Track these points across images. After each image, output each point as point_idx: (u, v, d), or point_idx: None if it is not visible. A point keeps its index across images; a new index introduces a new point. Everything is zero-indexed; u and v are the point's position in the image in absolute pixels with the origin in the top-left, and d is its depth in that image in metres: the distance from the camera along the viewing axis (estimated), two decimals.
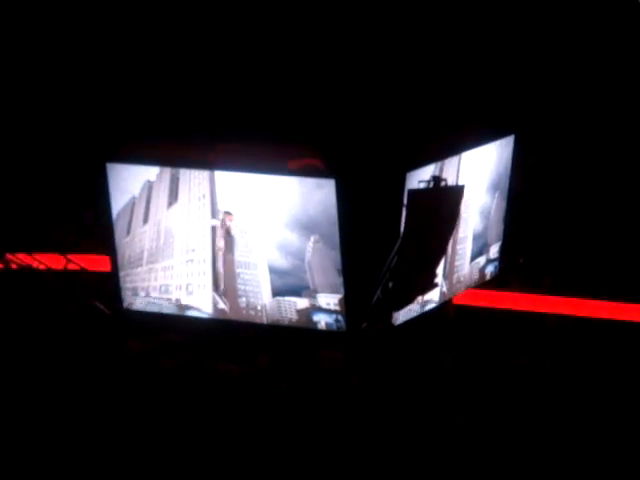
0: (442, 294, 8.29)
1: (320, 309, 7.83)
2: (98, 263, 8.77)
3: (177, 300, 8.15)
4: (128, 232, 8.10)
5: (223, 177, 7.71)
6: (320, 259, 7.66)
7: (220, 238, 7.87)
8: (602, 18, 8.99)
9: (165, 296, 8.17)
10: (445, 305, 8.38)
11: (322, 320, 7.87)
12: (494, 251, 8.65)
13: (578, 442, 7.57)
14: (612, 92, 9.08)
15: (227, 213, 7.80)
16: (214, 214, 7.81)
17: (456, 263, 8.31)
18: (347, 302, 7.75)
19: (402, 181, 7.59)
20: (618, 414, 7.80)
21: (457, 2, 8.90)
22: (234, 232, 7.81)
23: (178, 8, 9.07)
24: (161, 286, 8.16)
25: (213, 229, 7.85)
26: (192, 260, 8.00)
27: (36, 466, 7.49)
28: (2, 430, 7.75)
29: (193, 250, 7.96)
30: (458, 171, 7.97)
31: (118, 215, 8.05)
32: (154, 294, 8.20)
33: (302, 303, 7.86)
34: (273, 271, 7.82)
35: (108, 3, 9.27)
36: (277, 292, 7.89)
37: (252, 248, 7.82)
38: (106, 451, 7.60)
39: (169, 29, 9.01)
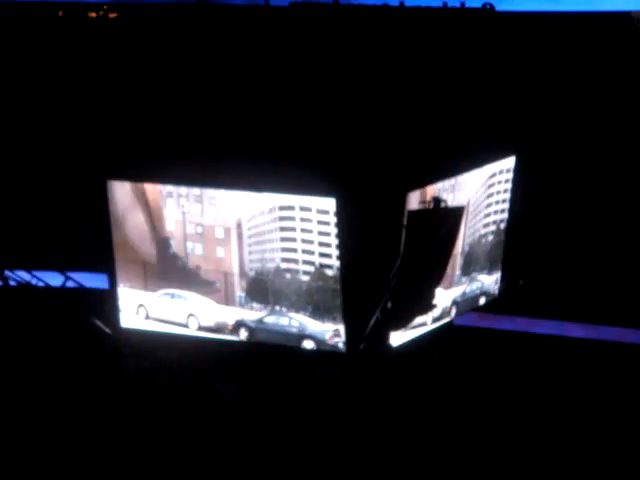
0: (441, 315, 8.29)
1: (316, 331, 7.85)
2: (97, 281, 8.75)
3: (176, 319, 8.13)
4: (128, 250, 8.08)
5: (225, 196, 7.71)
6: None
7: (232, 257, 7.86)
8: (602, 41, 9.04)
9: (165, 315, 8.16)
10: (444, 326, 8.37)
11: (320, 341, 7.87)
12: (494, 273, 8.64)
13: (578, 463, 7.57)
14: (613, 113, 9.11)
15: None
16: (223, 233, 7.82)
17: (455, 284, 8.31)
18: (346, 322, 7.74)
19: (402, 202, 7.59)
20: (619, 436, 7.79)
21: (458, 29, 8.94)
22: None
23: (181, 30, 9.11)
24: (162, 304, 8.14)
25: (220, 249, 7.87)
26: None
27: None
28: (1, 444, 7.73)
29: (198, 268, 7.96)
30: (459, 192, 7.98)
31: (117, 233, 8.04)
32: (153, 313, 8.18)
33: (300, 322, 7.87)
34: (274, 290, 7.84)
35: (109, 25, 9.30)
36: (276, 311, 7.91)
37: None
38: (102, 469, 7.57)
39: (171, 47, 9.03)
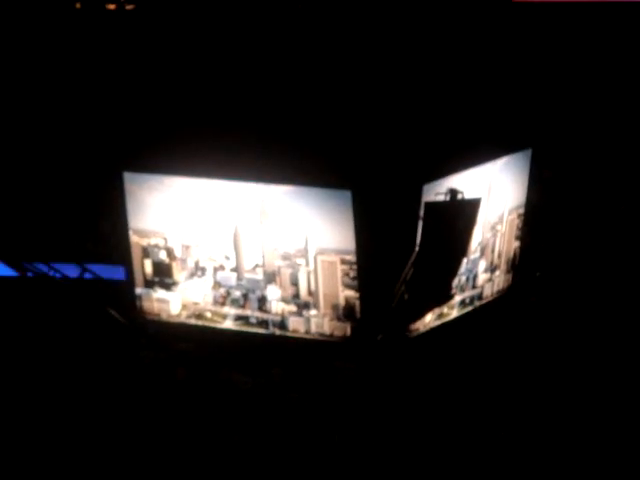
0: (458, 306, 8.29)
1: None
2: (114, 272, 8.78)
3: (195, 310, 8.16)
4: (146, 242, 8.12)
5: (241, 188, 7.73)
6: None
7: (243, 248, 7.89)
8: (621, 32, 9.00)
9: (183, 305, 8.19)
10: (461, 317, 8.38)
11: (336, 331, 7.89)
12: (510, 264, 8.65)
13: (590, 453, 7.57)
14: (630, 105, 9.07)
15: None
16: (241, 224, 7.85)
17: (471, 276, 8.31)
18: (362, 313, 7.75)
19: (419, 193, 7.60)
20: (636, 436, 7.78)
21: (473, 20, 8.92)
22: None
23: (191, 18, 9.12)
24: (179, 295, 8.17)
25: (236, 240, 7.89)
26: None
27: (46, 473, 7.52)
28: (14, 437, 7.78)
29: (215, 260, 7.98)
30: (475, 184, 7.98)
31: (134, 224, 8.07)
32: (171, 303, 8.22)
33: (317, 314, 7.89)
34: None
35: (126, 17, 9.33)
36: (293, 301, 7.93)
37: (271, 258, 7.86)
38: (118, 459, 7.61)
39: (185, 39, 9.05)
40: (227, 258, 7.94)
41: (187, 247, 8.01)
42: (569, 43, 9.07)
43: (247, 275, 7.94)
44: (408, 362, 8.15)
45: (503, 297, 8.67)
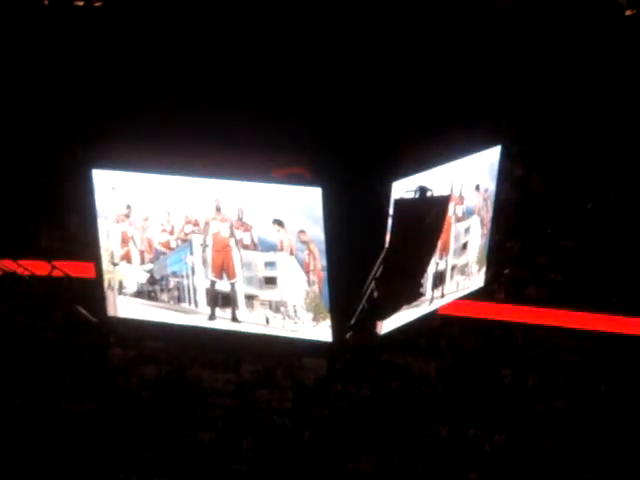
0: (427, 304, 8.29)
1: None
2: (83, 270, 8.74)
3: (164, 309, 8.12)
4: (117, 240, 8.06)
5: (212, 184, 7.70)
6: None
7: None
8: (593, 26, 9.02)
9: (152, 304, 8.15)
10: (430, 315, 8.39)
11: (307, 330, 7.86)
12: (479, 262, 8.66)
13: (562, 454, 7.60)
14: (604, 101, 9.11)
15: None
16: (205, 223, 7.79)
17: (440, 272, 8.31)
18: (332, 312, 7.74)
19: (388, 190, 7.59)
20: (603, 426, 7.82)
21: (447, 12, 8.91)
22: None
23: (160, 15, 9.07)
24: (150, 293, 8.13)
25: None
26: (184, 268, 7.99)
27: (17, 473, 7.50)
28: None
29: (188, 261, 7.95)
30: (444, 181, 7.98)
31: (104, 222, 8.03)
32: (141, 301, 8.17)
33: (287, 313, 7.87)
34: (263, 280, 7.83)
35: (94, 14, 9.28)
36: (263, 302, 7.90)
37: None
38: (87, 460, 7.60)
39: (155, 36, 9.00)
40: (204, 261, 7.89)
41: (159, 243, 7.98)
42: (539, 39, 9.09)
43: (215, 275, 7.91)
44: (377, 360, 8.17)
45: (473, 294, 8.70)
